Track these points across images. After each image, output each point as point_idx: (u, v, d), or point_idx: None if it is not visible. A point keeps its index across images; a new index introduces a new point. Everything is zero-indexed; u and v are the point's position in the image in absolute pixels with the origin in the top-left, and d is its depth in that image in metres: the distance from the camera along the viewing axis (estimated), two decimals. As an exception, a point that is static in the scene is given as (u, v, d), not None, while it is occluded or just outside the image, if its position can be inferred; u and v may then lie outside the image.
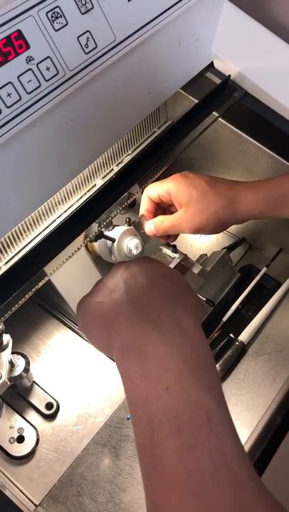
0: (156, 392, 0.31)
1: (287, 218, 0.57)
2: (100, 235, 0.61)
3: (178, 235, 0.65)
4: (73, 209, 0.57)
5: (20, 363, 0.70)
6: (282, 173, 0.57)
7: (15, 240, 0.53)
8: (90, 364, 0.78)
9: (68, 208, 0.58)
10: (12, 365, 0.69)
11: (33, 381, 0.75)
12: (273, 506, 0.28)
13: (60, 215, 0.57)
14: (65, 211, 0.58)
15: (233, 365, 0.74)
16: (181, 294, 0.40)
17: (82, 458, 0.70)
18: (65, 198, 0.58)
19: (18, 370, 0.69)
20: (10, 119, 0.39)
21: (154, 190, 0.58)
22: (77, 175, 0.50)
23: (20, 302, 0.47)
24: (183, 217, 0.56)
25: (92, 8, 0.43)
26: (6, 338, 0.64)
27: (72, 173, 0.49)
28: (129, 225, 0.64)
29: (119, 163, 0.64)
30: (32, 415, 0.73)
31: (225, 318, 0.80)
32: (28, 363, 0.70)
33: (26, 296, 0.48)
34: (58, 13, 0.41)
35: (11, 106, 0.39)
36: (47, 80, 0.41)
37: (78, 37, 0.43)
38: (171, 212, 0.60)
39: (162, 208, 0.62)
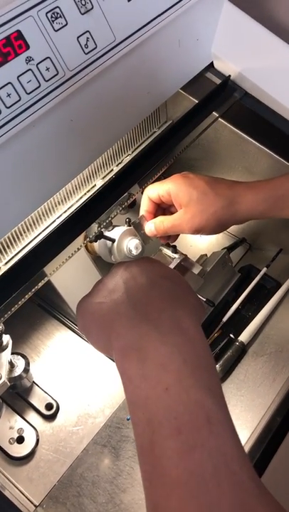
0: (156, 392, 0.31)
1: (287, 218, 0.57)
2: (100, 236, 0.61)
3: (178, 235, 0.65)
4: (73, 209, 0.56)
5: (20, 363, 0.70)
6: (282, 173, 0.57)
7: (15, 241, 0.53)
8: (90, 364, 0.78)
9: (68, 209, 0.58)
10: (12, 365, 0.69)
11: (33, 381, 0.75)
12: (273, 507, 0.28)
13: (60, 215, 0.57)
14: (64, 211, 0.57)
15: (233, 366, 0.74)
16: (181, 294, 0.40)
17: (82, 458, 0.69)
18: (65, 199, 0.58)
19: (18, 371, 0.69)
20: (10, 119, 0.39)
21: (154, 191, 0.58)
22: (77, 175, 0.50)
23: (20, 302, 0.47)
24: (183, 218, 0.56)
25: (92, 8, 0.43)
26: (6, 338, 0.64)
27: (72, 174, 0.49)
28: (129, 225, 0.63)
29: (119, 163, 0.64)
30: (32, 416, 0.73)
31: (225, 319, 0.80)
32: (27, 364, 0.70)
33: (26, 296, 0.48)
34: (57, 13, 0.41)
35: (10, 106, 0.39)
36: (47, 81, 0.41)
37: (78, 37, 0.43)
38: (171, 213, 0.60)
39: (162, 208, 0.62)
